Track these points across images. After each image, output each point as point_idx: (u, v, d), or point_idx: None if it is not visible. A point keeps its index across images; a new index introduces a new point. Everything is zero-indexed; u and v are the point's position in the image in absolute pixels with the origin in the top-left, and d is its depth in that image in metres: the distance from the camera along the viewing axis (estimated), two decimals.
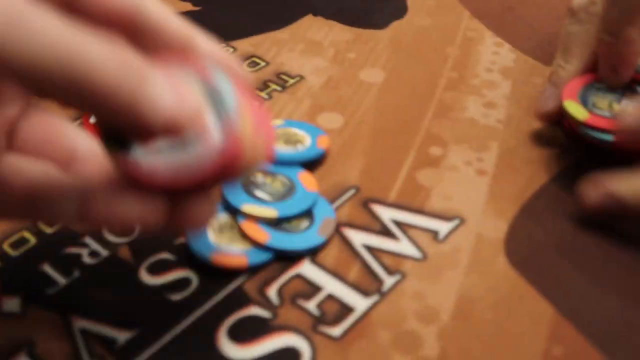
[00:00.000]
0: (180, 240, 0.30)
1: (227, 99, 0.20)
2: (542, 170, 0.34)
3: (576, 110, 0.33)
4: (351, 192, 0.32)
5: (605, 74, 0.34)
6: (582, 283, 0.28)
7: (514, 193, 0.32)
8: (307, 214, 0.31)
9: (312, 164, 0.33)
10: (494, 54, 0.42)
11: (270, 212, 0.30)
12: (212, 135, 0.20)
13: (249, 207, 0.30)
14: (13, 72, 0.17)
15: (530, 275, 0.29)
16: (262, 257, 0.29)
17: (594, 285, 0.28)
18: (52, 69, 0.17)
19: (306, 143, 0.34)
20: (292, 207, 0.30)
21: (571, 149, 0.35)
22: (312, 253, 0.29)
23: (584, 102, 0.33)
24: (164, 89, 0.19)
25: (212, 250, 0.28)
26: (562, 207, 0.32)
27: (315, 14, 0.45)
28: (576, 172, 0.33)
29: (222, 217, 0.30)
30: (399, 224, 0.31)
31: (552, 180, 0.33)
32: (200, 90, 0.20)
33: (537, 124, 0.36)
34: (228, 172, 0.21)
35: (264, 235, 0.29)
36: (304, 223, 0.30)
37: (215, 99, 0.20)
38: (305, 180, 0.32)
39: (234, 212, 0.30)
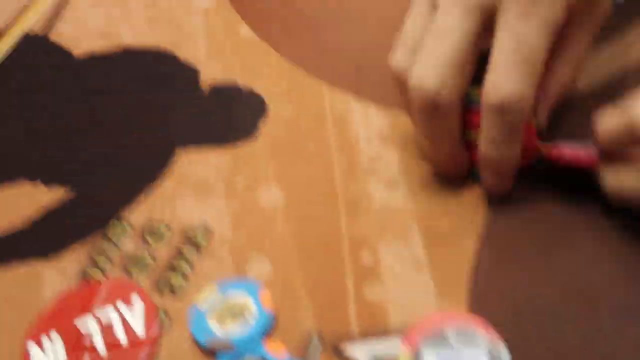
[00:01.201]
0: None
1: None
2: (470, 230, 0.36)
3: None
4: (315, 340, 0.33)
5: (487, 183, 0.36)
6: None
7: (457, 273, 0.34)
8: None
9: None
10: (366, 118, 0.42)
11: None
12: None
13: None
14: None
15: None
16: None
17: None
18: None
19: (251, 308, 0.34)
20: None
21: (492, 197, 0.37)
22: None
23: None
24: None
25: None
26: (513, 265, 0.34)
27: (183, 146, 0.44)
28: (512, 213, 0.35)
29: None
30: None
31: (486, 235, 0.35)
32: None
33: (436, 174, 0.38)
34: None
35: None
36: None
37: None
38: (274, 350, 0.33)
39: None
